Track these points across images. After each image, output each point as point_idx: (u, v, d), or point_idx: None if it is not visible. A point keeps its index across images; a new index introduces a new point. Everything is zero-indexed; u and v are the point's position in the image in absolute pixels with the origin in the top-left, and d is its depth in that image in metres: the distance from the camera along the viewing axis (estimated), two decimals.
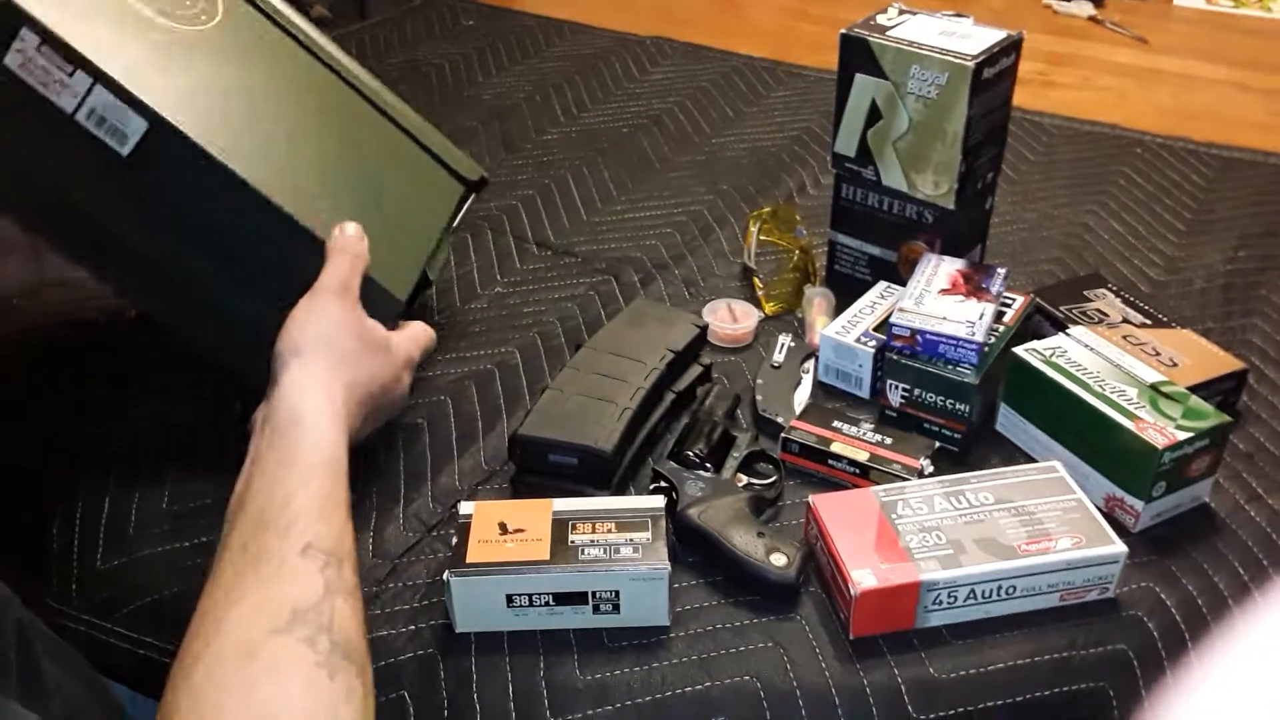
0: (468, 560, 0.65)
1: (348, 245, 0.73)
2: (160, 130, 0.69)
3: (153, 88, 0.70)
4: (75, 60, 0.68)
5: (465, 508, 0.69)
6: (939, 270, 0.85)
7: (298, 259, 0.72)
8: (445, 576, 0.65)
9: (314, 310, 0.70)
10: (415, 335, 0.78)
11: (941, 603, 0.66)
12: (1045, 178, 1.17)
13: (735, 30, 1.55)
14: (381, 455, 0.80)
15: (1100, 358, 0.78)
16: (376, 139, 0.87)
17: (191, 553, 0.73)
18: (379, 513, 0.75)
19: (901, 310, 0.81)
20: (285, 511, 0.58)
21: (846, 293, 0.92)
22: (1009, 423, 0.81)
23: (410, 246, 0.84)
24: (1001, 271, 0.85)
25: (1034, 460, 0.77)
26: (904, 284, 0.85)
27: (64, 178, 0.71)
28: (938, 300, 0.82)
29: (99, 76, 0.68)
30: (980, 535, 0.68)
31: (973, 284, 0.83)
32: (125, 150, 0.69)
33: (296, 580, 0.55)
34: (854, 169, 0.94)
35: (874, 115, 0.90)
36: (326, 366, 0.67)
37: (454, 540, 0.67)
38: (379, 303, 0.75)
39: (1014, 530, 0.68)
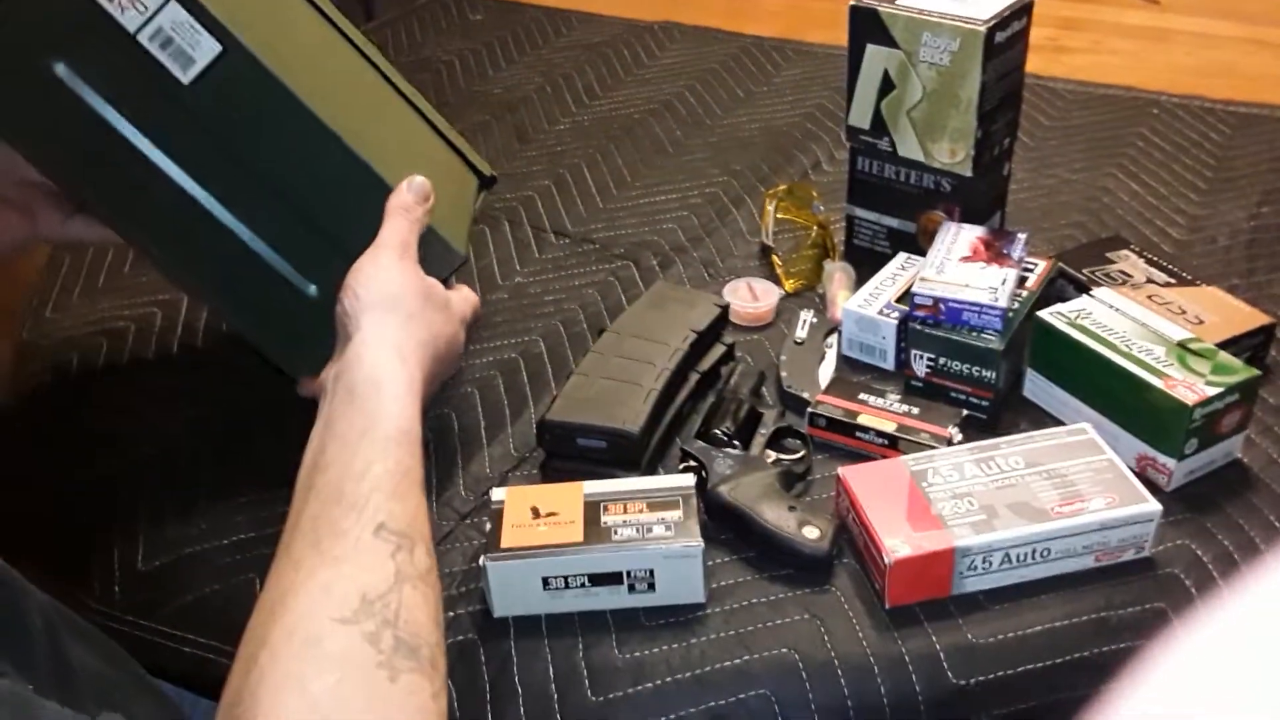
0: (502, 545, 0.66)
1: (408, 207, 0.71)
2: (232, 57, 0.65)
3: (227, 12, 0.65)
4: None
5: (497, 494, 0.70)
6: (959, 238, 0.85)
7: (365, 210, 0.69)
8: (481, 562, 0.65)
9: (379, 267, 0.67)
10: (467, 296, 0.76)
11: (976, 568, 0.66)
12: (1062, 143, 1.16)
13: (744, 12, 1.54)
14: None
15: (1126, 318, 0.77)
16: (412, 125, 0.86)
17: (231, 550, 0.74)
18: None
19: (923, 280, 0.81)
20: (360, 486, 0.56)
21: (867, 266, 0.92)
22: (1037, 388, 0.81)
23: (459, 211, 0.82)
24: (1022, 236, 0.84)
25: (1063, 424, 0.77)
26: (924, 255, 0.85)
27: (111, 107, 0.66)
28: (959, 268, 0.81)
29: None
30: (1013, 500, 0.68)
31: (994, 250, 0.83)
32: (188, 77, 0.65)
33: (367, 564, 0.54)
34: (869, 141, 0.93)
35: (887, 86, 0.90)
36: (398, 325, 0.65)
37: (488, 527, 0.68)
38: (439, 258, 0.72)
39: (1046, 493, 0.68)
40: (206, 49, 0.65)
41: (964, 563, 0.66)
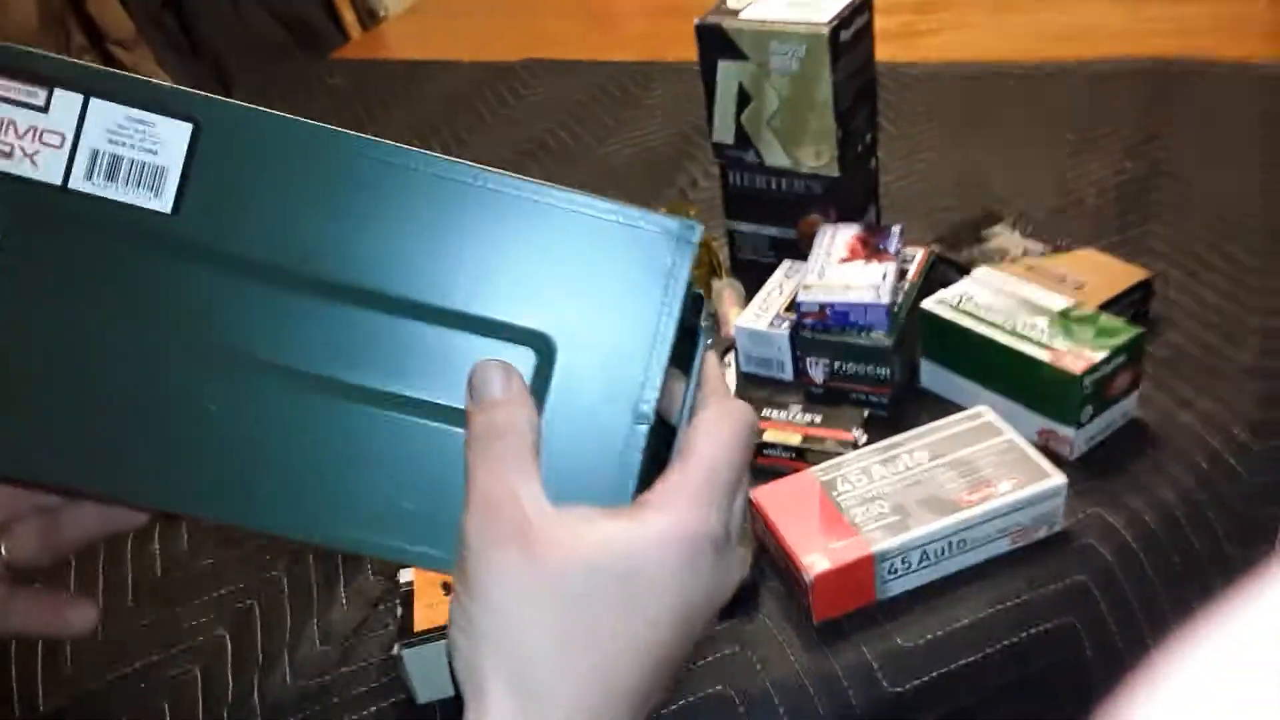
0: (416, 629, 0.64)
1: (498, 428, 0.40)
2: (213, 128, 0.42)
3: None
4: (43, 72, 0.42)
5: (405, 575, 0.68)
6: (836, 239, 0.85)
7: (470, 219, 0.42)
8: (395, 650, 0.63)
9: (479, 591, 0.38)
10: (702, 456, 0.40)
11: (897, 571, 0.66)
12: (927, 127, 1.18)
13: (604, 40, 1.54)
14: None
15: (1006, 295, 0.78)
16: None
17: (136, 678, 0.70)
18: (320, 596, 0.73)
19: (806, 287, 0.80)
20: None
21: (753, 277, 0.92)
22: (933, 376, 0.81)
23: None
24: (897, 229, 0.85)
25: (963, 409, 0.77)
26: (807, 260, 0.85)
27: (87, 315, 0.42)
28: (839, 270, 0.81)
29: (92, 79, 0.42)
30: (922, 495, 0.67)
31: (870, 247, 0.83)
32: (166, 198, 0.42)
33: None
34: (735, 155, 0.93)
35: (744, 99, 0.90)
36: (517, 707, 0.37)
37: (399, 611, 0.66)
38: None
39: (953, 484, 0.68)
40: (175, 140, 0.42)
41: (884, 567, 0.65)
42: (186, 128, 0.42)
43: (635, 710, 0.38)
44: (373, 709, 0.65)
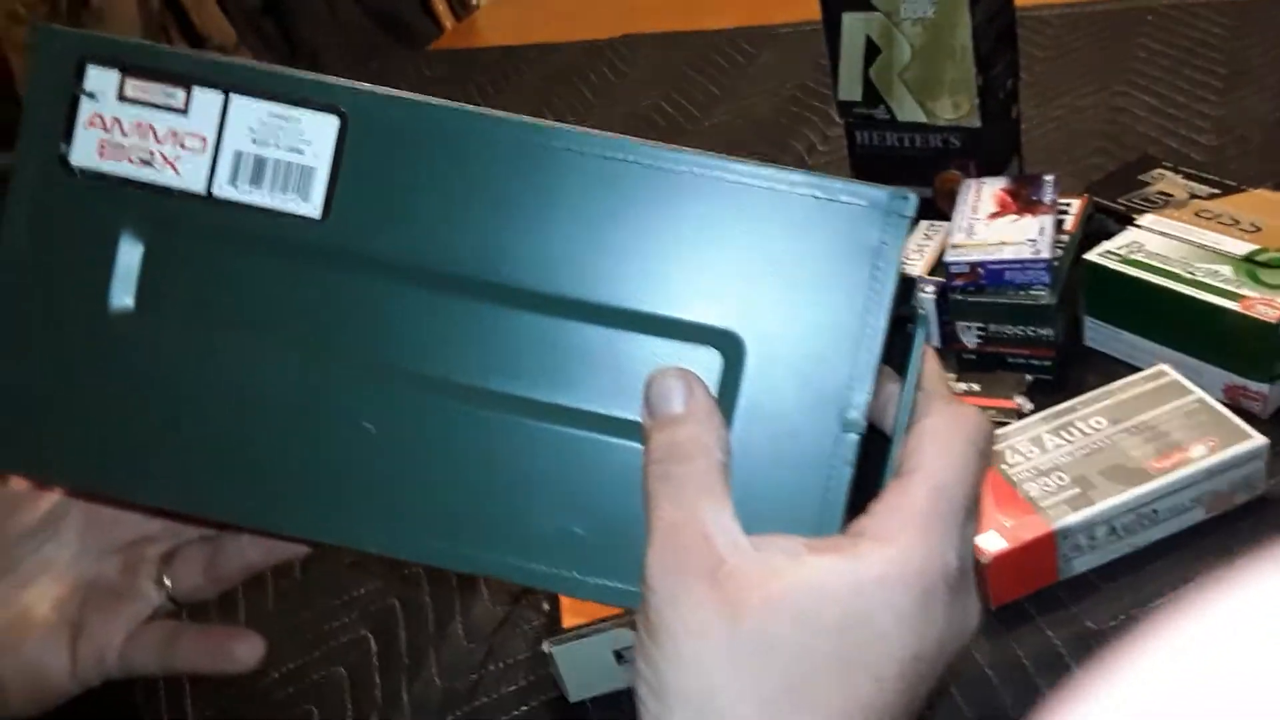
0: (565, 625, 0.60)
1: (691, 427, 0.35)
2: (360, 118, 0.38)
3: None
4: (180, 70, 0.39)
5: None
6: (982, 193, 0.79)
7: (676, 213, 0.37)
8: (545, 648, 0.60)
9: (667, 641, 0.32)
10: (929, 473, 0.34)
11: (1081, 548, 0.60)
12: (1063, 71, 1.10)
13: (701, 7, 1.49)
14: None
15: (1180, 242, 0.71)
16: None
17: (283, 683, 0.69)
18: (463, 592, 0.71)
19: (954, 246, 0.75)
20: None
21: None
22: (1099, 335, 0.74)
23: None
24: (1050, 178, 0.78)
25: (1137, 369, 0.70)
26: (947, 219, 0.79)
27: (232, 335, 0.39)
28: (990, 226, 0.75)
29: (231, 74, 0.39)
30: (1105, 465, 0.62)
31: (1022, 199, 0.77)
32: (315, 205, 0.38)
33: None
34: (864, 113, 0.88)
35: (872, 52, 0.85)
36: None
37: (545, 606, 0.63)
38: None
39: (1139, 450, 0.62)
40: (321, 136, 0.38)
41: (1067, 544, 0.60)
42: (333, 121, 0.38)
43: None
44: (523, 709, 0.62)
